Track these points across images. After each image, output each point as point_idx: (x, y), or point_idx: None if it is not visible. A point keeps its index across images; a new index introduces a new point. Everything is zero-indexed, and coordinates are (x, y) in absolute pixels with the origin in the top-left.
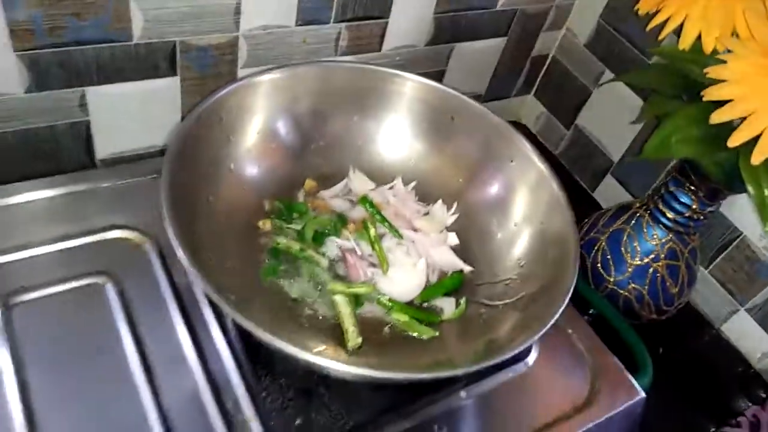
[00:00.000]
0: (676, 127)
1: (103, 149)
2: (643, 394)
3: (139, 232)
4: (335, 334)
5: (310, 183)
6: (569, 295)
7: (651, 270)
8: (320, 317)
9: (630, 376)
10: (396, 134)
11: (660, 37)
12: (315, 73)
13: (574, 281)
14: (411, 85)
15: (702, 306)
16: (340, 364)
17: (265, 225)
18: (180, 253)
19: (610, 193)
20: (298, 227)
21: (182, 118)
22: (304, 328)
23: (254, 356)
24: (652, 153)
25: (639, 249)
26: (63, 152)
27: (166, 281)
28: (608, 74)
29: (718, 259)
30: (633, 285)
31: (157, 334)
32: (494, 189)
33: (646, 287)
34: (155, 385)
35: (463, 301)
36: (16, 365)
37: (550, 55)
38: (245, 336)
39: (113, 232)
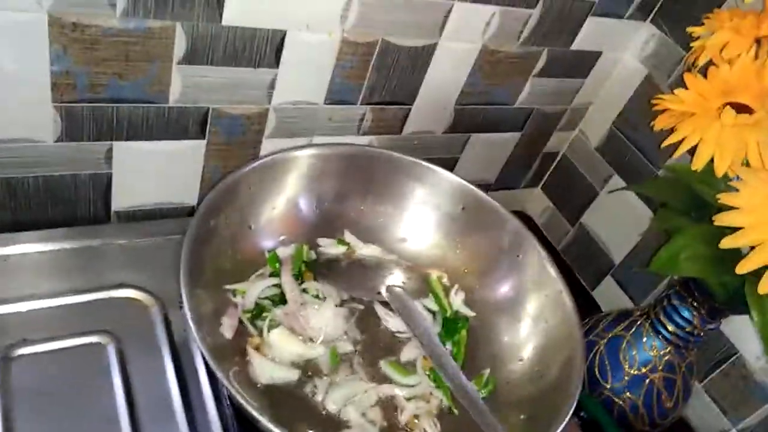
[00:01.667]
0: (685, 245)
1: (119, 202)
2: None
3: (147, 293)
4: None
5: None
6: (574, 404)
7: (647, 381)
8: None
9: None
10: (410, 222)
11: (674, 156)
12: (342, 155)
13: (579, 389)
14: (430, 175)
15: (694, 421)
16: None
17: None
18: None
19: (609, 294)
20: None
21: (202, 179)
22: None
23: None
24: (659, 268)
25: (637, 358)
26: (80, 201)
27: (167, 346)
28: (616, 178)
29: (713, 375)
30: (628, 394)
31: (152, 401)
32: (502, 286)
33: (642, 398)
34: None
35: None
36: (4, 418)
37: (561, 153)
38: (240, 413)
39: (122, 291)
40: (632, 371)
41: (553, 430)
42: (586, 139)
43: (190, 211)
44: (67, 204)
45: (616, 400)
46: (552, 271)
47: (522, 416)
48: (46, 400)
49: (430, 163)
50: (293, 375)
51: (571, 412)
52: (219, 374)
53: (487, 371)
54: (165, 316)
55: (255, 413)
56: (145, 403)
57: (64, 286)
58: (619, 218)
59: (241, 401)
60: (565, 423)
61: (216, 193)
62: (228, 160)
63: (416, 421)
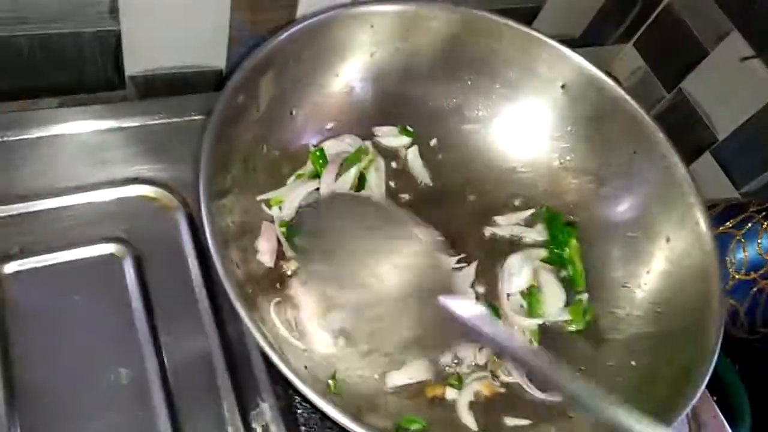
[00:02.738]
0: None
1: (133, 65)
2: None
3: (168, 190)
4: None
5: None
6: (711, 368)
7: (755, 288)
8: None
9: None
10: (492, 104)
11: None
12: (415, 14)
13: (718, 347)
14: (521, 39)
15: None
16: None
17: None
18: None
19: (704, 174)
20: None
21: (229, 37)
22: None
23: None
24: None
25: (746, 261)
26: (87, 65)
27: (194, 256)
28: (735, 35)
29: None
30: (730, 300)
31: (178, 322)
32: (610, 192)
33: (745, 305)
34: (172, 395)
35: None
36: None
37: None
38: None
39: (137, 187)
40: (739, 276)
41: (684, 400)
42: None
43: (218, 76)
44: (72, 68)
45: None
46: (683, 177)
47: (633, 362)
48: (49, 324)
49: (522, 25)
50: None
51: (706, 378)
52: (246, 320)
53: (585, 297)
54: (189, 217)
55: (285, 369)
56: (171, 326)
57: (67, 182)
58: (731, 86)
59: (269, 351)
60: (698, 394)
61: (247, 68)
62: (258, 12)
63: (496, 359)
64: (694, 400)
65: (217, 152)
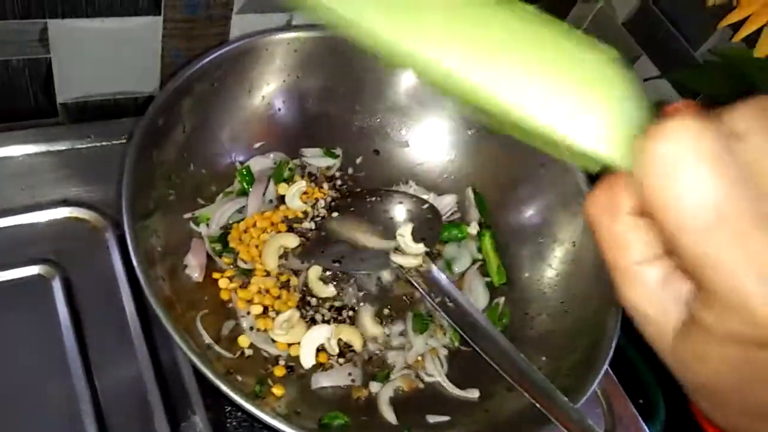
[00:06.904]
0: None
1: (65, 92)
2: None
3: (97, 212)
4: None
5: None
6: (608, 356)
7: None
8: None
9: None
10: (415, 124)
11: (734, 39)
12: (331, 39)
13: (615, 335)
14: None
15: None
16: None
17: None
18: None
19: None
20: None
21: (162, 64)
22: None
23: None
24: None
25: None
26: (18, 92)
27: (125, 278)
28: (645, 60)
29: None
30: None
31: (109, 342)
32: (521, 203)
33: None
34: (102, 412)
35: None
36: None
37: (581, 29)
38: None
39: (66, 209)
40: None
41: (583, 385)
42: (612, 11)
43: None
44: (3, 96)
45: None
46: (584, 187)
47: (543, 358)
48: None
49: None
50: None
51: (604, 366)
52: (168, 327)
53: (502, 301)
54: (120, 238)
55: (220, 383)
56: (101, 345)
57: None
58: None
59: (202, 368)
60: (597, 380)
61: (167, 92)
62: (192, 40)
63: (419, 359)
64: (594, 386)
65: (139, 174)
